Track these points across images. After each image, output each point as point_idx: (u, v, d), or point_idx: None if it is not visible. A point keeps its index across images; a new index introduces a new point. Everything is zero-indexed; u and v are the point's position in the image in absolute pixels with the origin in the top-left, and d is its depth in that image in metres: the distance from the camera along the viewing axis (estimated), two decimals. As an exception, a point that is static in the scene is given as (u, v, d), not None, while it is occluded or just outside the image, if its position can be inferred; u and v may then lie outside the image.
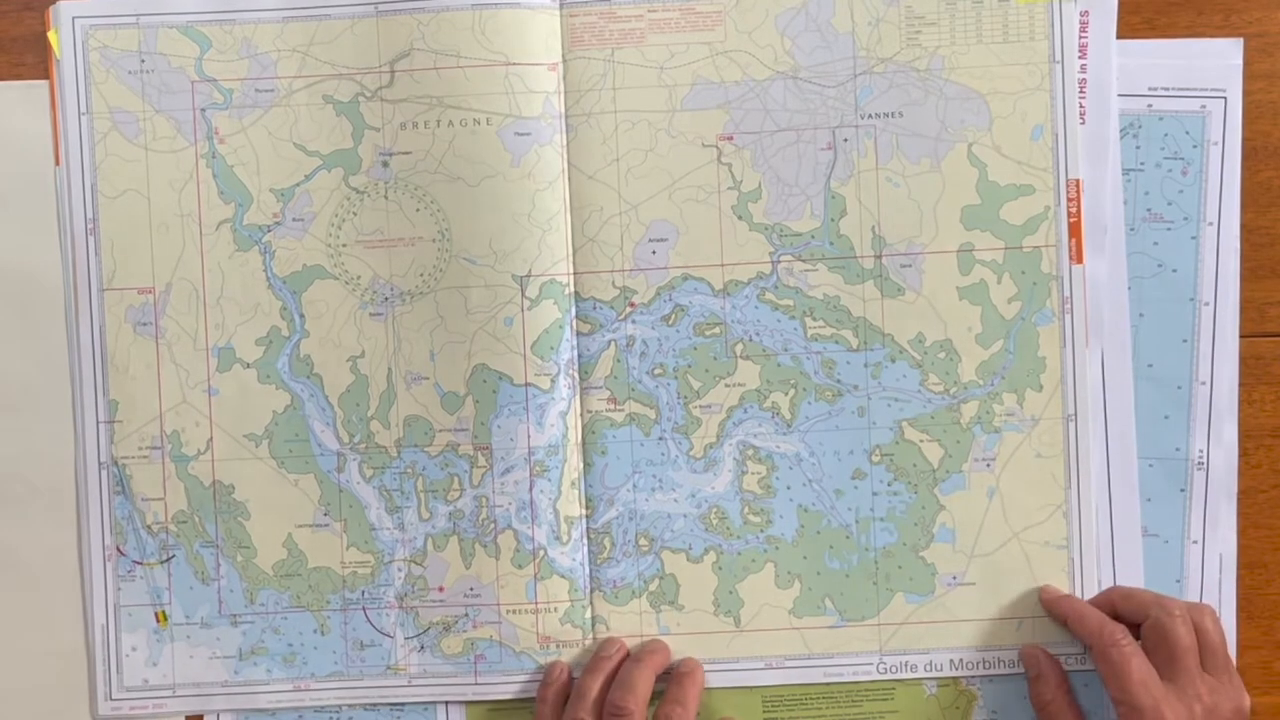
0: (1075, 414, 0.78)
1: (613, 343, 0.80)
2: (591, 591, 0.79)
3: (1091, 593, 0.78)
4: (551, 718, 0.77)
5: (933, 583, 0.79)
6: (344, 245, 0.79)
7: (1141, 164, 0.79)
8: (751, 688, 0.80)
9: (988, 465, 0.79)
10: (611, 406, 0.80)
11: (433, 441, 0.79)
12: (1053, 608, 0.78)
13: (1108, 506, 0.79)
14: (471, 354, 0.79)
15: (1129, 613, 0.76)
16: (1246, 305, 0.80)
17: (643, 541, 0.79)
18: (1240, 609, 0.80)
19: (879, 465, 0.79)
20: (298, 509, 0.79)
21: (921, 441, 0.79)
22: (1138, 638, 0.75)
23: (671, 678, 0.78)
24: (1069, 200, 0.78)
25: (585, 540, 0.79)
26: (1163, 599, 0.76)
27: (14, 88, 0.80)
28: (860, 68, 0.79)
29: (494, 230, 0.78)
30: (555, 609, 0.79)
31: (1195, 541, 0.80)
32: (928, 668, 0.79)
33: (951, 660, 0.79)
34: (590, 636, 0.79)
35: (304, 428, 0.79)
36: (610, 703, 0.75)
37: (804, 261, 0.79)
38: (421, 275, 0.79)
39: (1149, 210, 0.80)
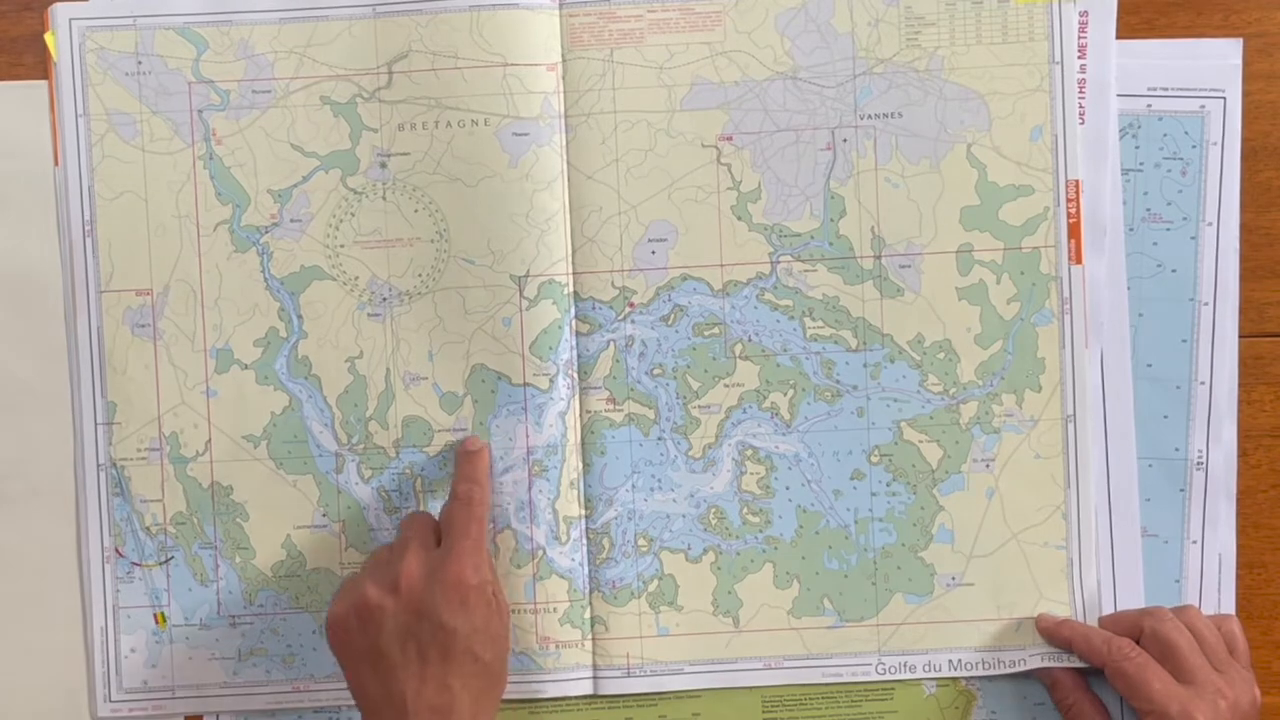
0: (1075, 414, 0.78)
1: (612, 343, 0.79)
2: (591, 592, 0.80)
3: (1091, 593, 0.78)
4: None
5: (932, 583, 0.79)
6: (342, 246, 0.79)
7: (1141, 164, 0.79)
8: (751, 688, 0.80)
9: (987, 466, 0.79)
10: (610, 407, 0.80)
11: (431, 442, 0.79)
12: (1052, 635, 0.78)
13: (1107, 506, 0.79)
14: (470, 354, 0.79)
15: (1122, 632, 0.76)
16: (1246, 305, 0.80)
17: (642, 542, 0.79)
18: (1240, 609, 0.80)
19: (878, 466, 0.79)
20: (296, 510, 0.79)
21: (920, 442, 0.79)
22: None
23: (459, 456, 0.77)
24: (1068, 201, 0.78)
25: (584, 540, 0.79)
26: (1148, 609, 0.77)
27: (13, 88, 0.80)
28: (860, 68, 0.78)
29: (492, 231, 0.78)
30: (554, 609, 0.79)
31: (1194, 541, 0.80)
32: (926, 668, 0.79)
33: (950, 661, 0.79)
34: (590, 637, 0.79)
35: (302, 429, 0.79)
36: (460, 493, 0.75)
37: (803, 262, 0.79)
38: (420, 276, 0.79)
39: (1148, 210, 0.79)
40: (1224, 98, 0.79)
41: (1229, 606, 0.80)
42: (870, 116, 0.79)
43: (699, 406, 0.80)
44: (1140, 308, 0.80)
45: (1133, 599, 0.79)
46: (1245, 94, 0.79)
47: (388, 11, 0.78)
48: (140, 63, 0.79)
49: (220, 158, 0.79)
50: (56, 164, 0.79)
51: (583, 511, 0.80)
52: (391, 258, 0.79)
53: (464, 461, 0.77)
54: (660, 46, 0.79)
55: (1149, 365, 0.80)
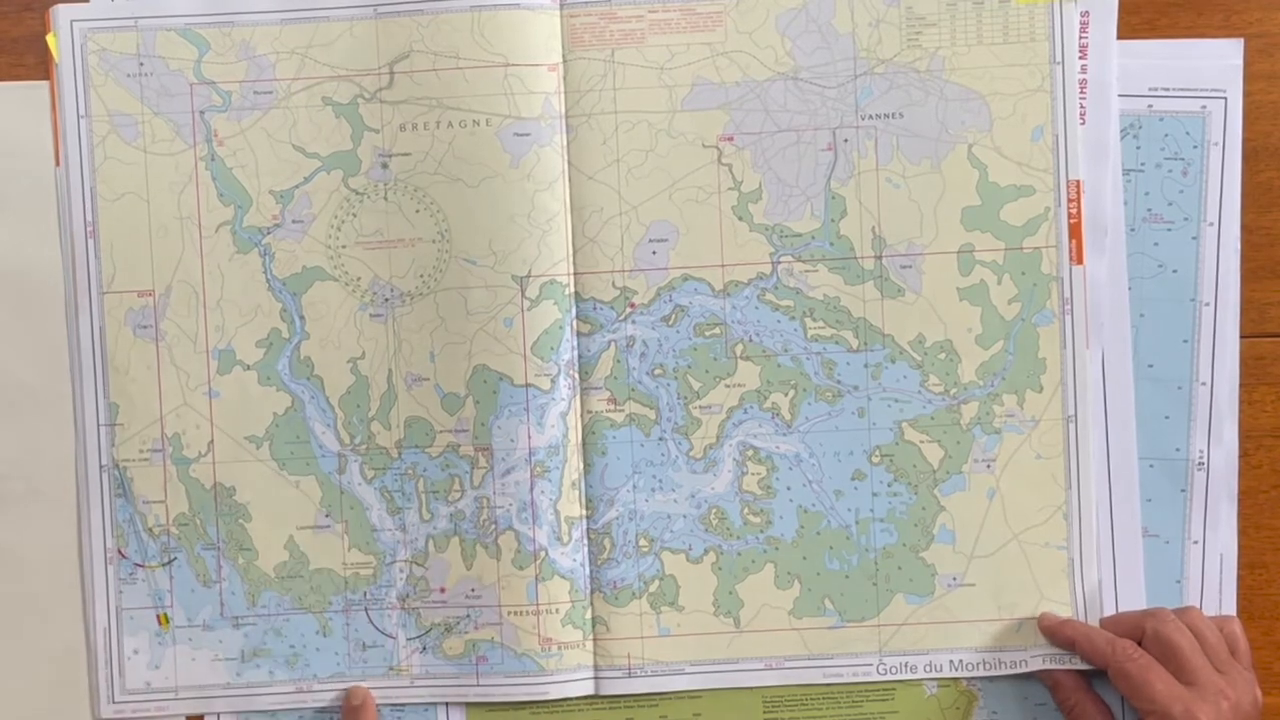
0: (1075, 415, 0.79)
1: (613, 343, 0.80)
2: (592, 592, 0.80)
3: (1092, 594, 0.79)
4: None
5: (932, 584, 0.79)
6: (344, 247, 0.79)
7: (1142, 164, 0.79)
8: (752, 688, 0.80)
9: (988, 466, 0.79)
10: (611, 407, 0.80)
11: (433, 442, 0.79)
12: (1055, 635, 0.78)
13: (1108, 507, 0.79)
14: (472, 355, 0.79)
15: (1123, 633, 0.76)
16: (1246, 305, 0.80)
17: (643, 542, 0.80)
18: (1240, 609, 0.80)
19: (879, 466, 0.79)
20: (299, 511, 0.80)
21: (921, 442, 0.79)
22: None
23: (344, 711, 0.79)
24: (1069, 201, 0.78)
25: (585, 541, 0.80)
26: (1150, 610, 0.77)
27: (14, 88, 0.80)
28: (861, 69, 0.78)
29: (493, 231, 0.78)
30: (556, 610, 0.79)
31: (1196, 542, 0.80)
32: (927, 668, 0.79)
33: (951, 661, 0.79)
34: (591, 638, 0.79)
35: (305, 429, 0.80)
36: None
37: (804, 262, 0.79)
38: (421, 276, 0.79)
39: (1149, 211, 0.79)
40: (1225, 98, 0.79)
41: (1230, 607, 0.80)
42: (871, 117, 0.79)
43: (700, 407, 0.80)
44: (1141, 308, 0.80)
45: (1134, 599, 0.79)
46: (1246, 94, 0.79)
47: (389, 12, 0.78)
48: (142, 64, 0.79)
49: (222, 159, 0.79)
50: (58, 165, 0.79)
51: (584, 512, 0.80)
52: (393, 258, 0.79)
53: (348, 715, 0.78)
54: (661, 47, 0.79)
55: (1150, 365, 0.80)
